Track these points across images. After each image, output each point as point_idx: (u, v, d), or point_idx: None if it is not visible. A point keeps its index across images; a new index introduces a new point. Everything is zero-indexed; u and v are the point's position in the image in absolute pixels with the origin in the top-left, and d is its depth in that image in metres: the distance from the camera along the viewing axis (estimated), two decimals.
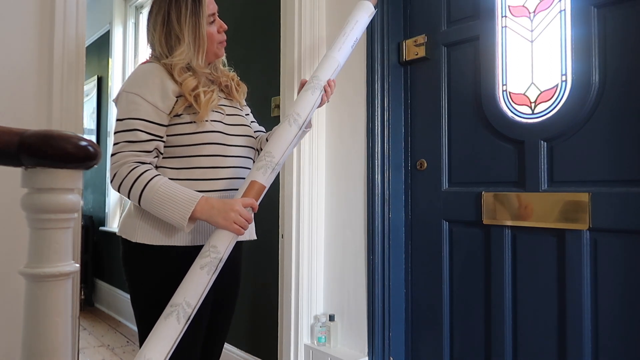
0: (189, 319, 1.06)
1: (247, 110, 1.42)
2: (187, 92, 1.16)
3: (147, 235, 1.16)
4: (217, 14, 1.29)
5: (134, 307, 1.21)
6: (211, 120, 1.20)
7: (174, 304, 1.06)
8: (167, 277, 1.14)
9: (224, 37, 1.30)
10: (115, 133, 1.15)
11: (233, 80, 1.34)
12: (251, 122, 1.39)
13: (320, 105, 1.31)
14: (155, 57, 1.24)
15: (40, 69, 1.48)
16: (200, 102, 1.16)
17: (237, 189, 1.22)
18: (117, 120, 1.16)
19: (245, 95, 1.39)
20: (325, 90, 1.29)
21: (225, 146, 1.22)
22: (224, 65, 1.37)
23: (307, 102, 1.27)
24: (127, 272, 1.21)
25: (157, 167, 1.19)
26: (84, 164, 0.65)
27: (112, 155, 1.14)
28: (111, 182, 1.15)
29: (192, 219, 1.11)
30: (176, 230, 1.16)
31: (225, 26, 1.30)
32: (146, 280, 1.18)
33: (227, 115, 1.25)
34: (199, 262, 1.10)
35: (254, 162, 1.30)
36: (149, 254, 1.16)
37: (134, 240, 1.17)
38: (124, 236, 1.20)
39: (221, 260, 1.12)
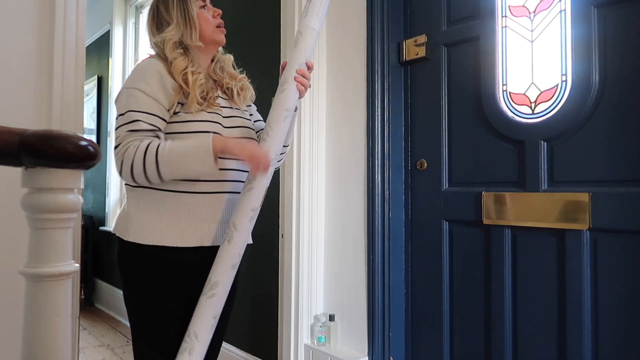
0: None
1: (252, 110, 1.40)
2: (177, 74, 1.15)
3: (139, 234, 1.15)
4: (208, 1, 1.28)
5: (126, 304, 1.21)
6: (208, 119, 1.19)
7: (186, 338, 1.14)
8: (156, 277, 1.14)
9: (219, 21, 1.29)
10: (116, 129, 1.14)
11: (238, 83, 1.31)
12: (255, 121, 1.37)
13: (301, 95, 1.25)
14: (154, 54, 1.24)
15: (40, 69, 1.48)
16: (189, 83, 1.15)
17: (238, 192, 1.21)
18: (118, 115, 1.14)
19: (247, 100, 1.35)
20: (304, 78, 1.23)
21: None
22: (234, 68, 1.35)
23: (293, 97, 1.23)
24: (120, 270, 1.21)
25: None
26: (84, 164, 0.64)
27: (115, 147, 1.12)
28: (120, 173, 1.11)
29: (215, 152, 1.10)
30: (169, 231, 1.15)
31: (220, 11, 1.29)
32: (137, 279, 1.17)
33: (224, 117, 1.23)
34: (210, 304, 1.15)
35: None
36: (140, 252, 1.15)
37: (126, 239, 1.16)
38: (117, 234, 1.19)
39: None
